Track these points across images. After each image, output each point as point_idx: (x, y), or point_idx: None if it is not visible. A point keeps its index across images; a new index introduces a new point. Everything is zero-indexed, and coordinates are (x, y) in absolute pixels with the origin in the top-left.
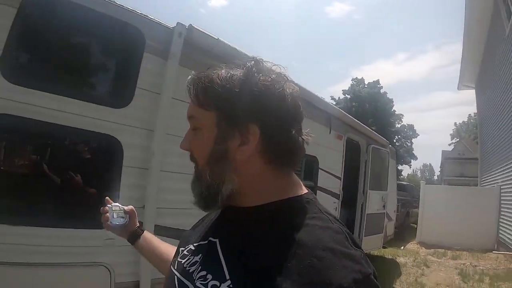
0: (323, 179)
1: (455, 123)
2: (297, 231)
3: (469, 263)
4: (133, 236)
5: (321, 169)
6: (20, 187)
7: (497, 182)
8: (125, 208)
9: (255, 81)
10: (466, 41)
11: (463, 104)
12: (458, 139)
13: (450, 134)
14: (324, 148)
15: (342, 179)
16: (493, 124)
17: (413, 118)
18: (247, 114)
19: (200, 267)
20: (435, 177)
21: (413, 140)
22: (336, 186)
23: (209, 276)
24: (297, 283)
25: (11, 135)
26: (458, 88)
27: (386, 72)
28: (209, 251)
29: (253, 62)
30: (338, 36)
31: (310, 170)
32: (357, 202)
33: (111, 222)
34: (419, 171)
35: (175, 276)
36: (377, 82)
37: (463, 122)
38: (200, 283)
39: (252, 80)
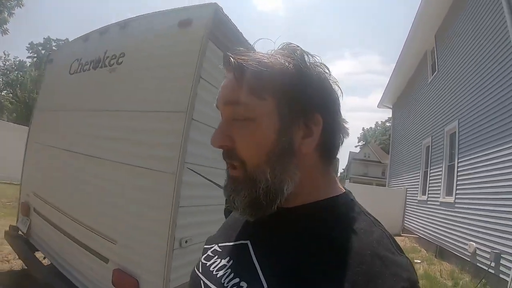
0: None
1: (363, 128)
2: (344, 236)
3: None
4: None
5: None
6: None
7: (404, 185)
8: None
9: (313, 70)
10: (396, 71)
11: (371, 111)
12: (364, 143)
13: (358, 137)
14: None
15: None
16: (402, 142)
17: None
18: (312, 103)
19: (231, 273)
20: (338, 174)
21: None
22: None
23: (244, 284)
24: None
25: None
26: (378, 106)
27: None
28: (240, 255)
29: (299, 49)
30: (260, 29)
31: None
32: None
33: None
34: None
35: (201, 281)
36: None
37: (370, 128)
38: None
39: (310, 68)
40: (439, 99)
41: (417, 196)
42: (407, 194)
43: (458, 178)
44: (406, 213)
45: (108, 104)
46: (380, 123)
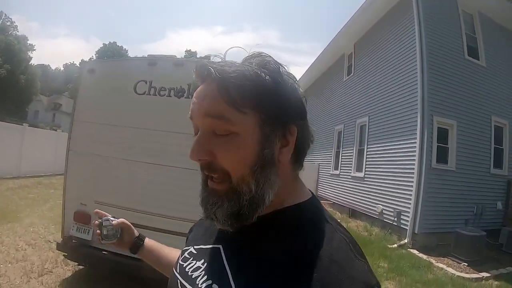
0: None
1: None
2: (305, 244)
3: None
4: (134, 247)
5: None
6: None
7: (317, 161)
8: (115, 222)
9: (287, 81)
10: (316, 63)
11: None
12: None
13: None
14: None
15: None
16: (313, 124)
17: None
18: (288, 114)
19: (205, 275)
20: None
21: None
22: None
23: (215, 286)
24: None
25: None
26: None
27: (201, 40)
28: (213, 258)
29: (272, 60)
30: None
31: None
32: None
33: (102, 239)
34: None
35: (178, 281)
36: (208, 57)
37: None
38: None
39: (285, 80)
40: (352, 96)
41: (330, 171)
42: (320, 169)
43: (367, 159)
44: (319, 184)
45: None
46: None
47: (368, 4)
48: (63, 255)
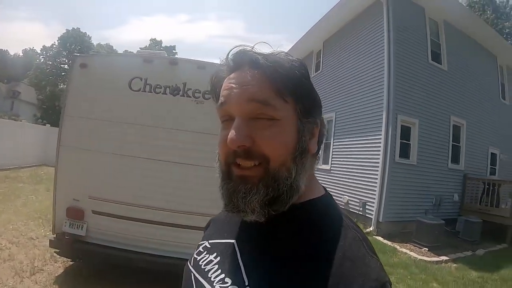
0: None
1: None
2: (319, 240)
3: None
4: None
5: None
6: None
7: None
8: None
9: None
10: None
11: None
12: None
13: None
14: None
15: None
16: None
17: None
18: (317, 108)
19: (217, 269)
20: None
21: None
22: None
23: (228, 280)
24: None
25: None
26: None
27: (165, 28)
28: (227, 252)
29: (297, 58)
30: None
31: None
32: None
33: None
34: None
35: (192, 274)
36: (173, 47)
37: None
38: (220, 286)
39: (308, 72)
40: (319, 92)
41: None
42: None
43: (333, 153)
44: None
45: (190, 126)
46: None
47: (340, 5)
48: (55, 251)
